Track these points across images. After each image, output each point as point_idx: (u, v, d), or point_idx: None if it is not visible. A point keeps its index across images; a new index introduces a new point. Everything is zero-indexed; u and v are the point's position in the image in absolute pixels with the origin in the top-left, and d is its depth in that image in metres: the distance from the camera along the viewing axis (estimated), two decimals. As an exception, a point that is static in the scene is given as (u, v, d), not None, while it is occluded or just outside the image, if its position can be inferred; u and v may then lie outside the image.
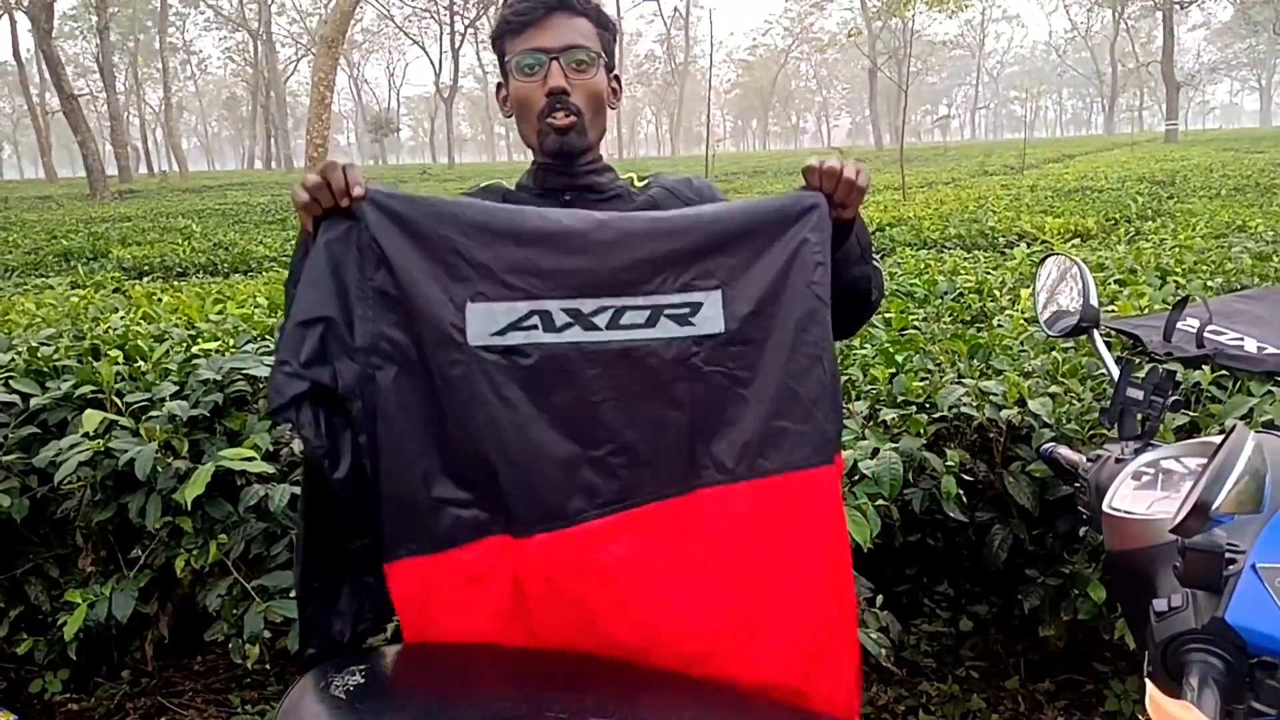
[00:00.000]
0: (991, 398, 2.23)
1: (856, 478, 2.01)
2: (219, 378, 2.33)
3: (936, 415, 2.23)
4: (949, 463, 2.12)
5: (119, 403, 2.26)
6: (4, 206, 21.34)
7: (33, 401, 2.26)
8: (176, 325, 3.10)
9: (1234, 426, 0.98)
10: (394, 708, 1.18)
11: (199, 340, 2.73)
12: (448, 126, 49.83)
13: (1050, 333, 1.80)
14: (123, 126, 38.65)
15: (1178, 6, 42.52)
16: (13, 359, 2.49)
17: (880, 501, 1.98)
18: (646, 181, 1.59)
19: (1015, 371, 2.42)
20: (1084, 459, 1.56)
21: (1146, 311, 2.98)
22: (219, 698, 2.51)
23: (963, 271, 4.39)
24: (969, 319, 3.36)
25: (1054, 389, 2.30)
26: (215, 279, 7.50)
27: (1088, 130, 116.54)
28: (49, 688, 2.35)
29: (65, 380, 2.31)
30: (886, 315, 3.24)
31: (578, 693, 1.19)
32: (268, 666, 2.28)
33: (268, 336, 2.83)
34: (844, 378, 2.48)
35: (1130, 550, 1.23)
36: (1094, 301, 1.68)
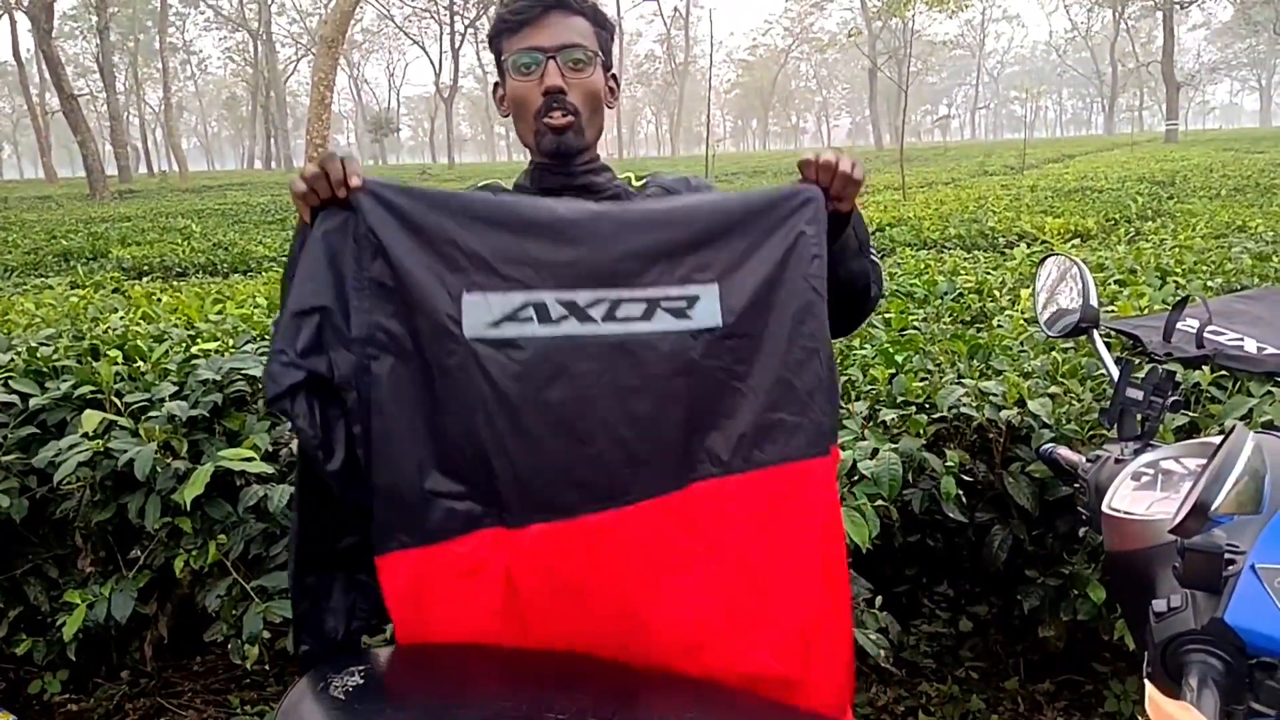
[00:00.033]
0: (991, 398, 2.23)
1: (856, 478, 2.01)
2: (218, 378, 2.32)
3: (936, 416, 2.23)
4: (948, 463, 2.12)
5: (118, 403, 2.26)
6: (4, 206, 21.35)
7: (32, 402, 2.25)
8: (176, 325, 3.10)
9: (1233, 427, 0.98)
10: (393, 708, 1.18)
11: (198, 340, 2.73)
12: (448, 126, 49.85)
13: (1050, 333, 1.80)
14: (122, 126, 38.66)
15: (1178, 6, 42.54)
16: (12, 359, 2.49)
17: (879, 502, 1.98)
18: (644, 181, 1.59)
19: (1015, 372, 2.42)
20: (1083, 459, 1.56)
21: (1146, 312, 2.98)
22: (218, 698, 2.51)
23: (962, 272, 4.39)
24: (969, 319, 3.36)
25: (1054, 389, 2.30)
26: (215, 279, 7.51)
27: (1088, 130, 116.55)
28: (48, 688, 2.35)
29: (64, 380, 2.31)
30: (886, 315, 3.24)
31: (577, 693, 1.19)
32: (267, 667, 2.28)
33: (267, 337, 2.83)
34: (844, 378, 2.48)
35: (1130, 551, 1.23)
36: (1094, 302, 1.68)
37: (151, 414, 2.20)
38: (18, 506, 2.13)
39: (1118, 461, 1.41)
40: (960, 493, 2.11)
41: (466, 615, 1.29)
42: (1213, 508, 0.90)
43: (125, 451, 2.05)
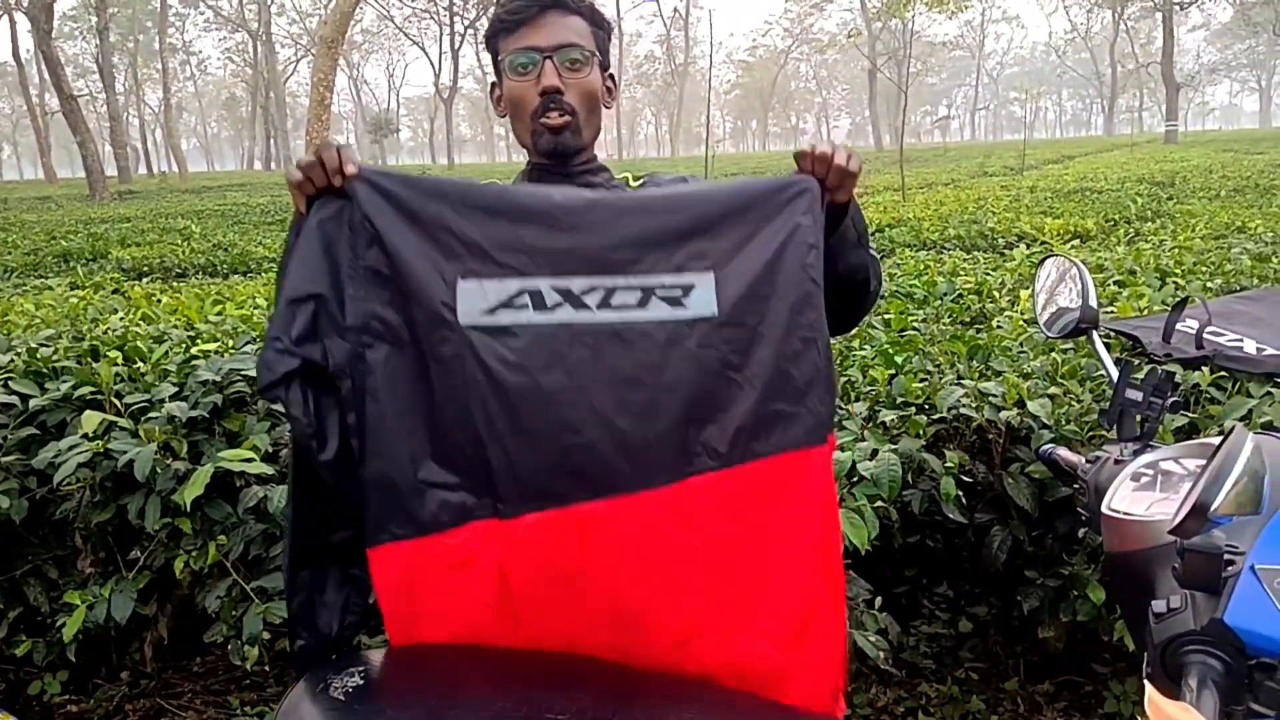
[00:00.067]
0: (991, 399, 2.23)
1: (855, 479, 2.01)
2: (218, 379, 2.32)
3: (936, 416, 2.23)
4: (948, 464, 2.12)
5: (118, 404, 2.26)
6: (3, 207, 21.34)
7: (32, 403, 2.25)
8: (176, 326, 3.10)
9: (1233, 428, 0.98)
10: (393, 709, 1.19)
11: (198, 341, 2.73)
12: (447, 127, 49.85)
13: (1049, 334, 1.80)
14: (122, 127, 38.63)
15: (1177, 8, 42.55)
16: (12, 360, 2.49)
17: (879, 503, 1.98)
18: (642, 181, 1.59)
19: (1014, 373, 2.42)
20: (1083, 460, 1.56)
21: (1146, 313, 2.99)
22: (218, 699, 2.51)
23: (962, 272, 4.39)
24: (968, 320, 3.36)
25: (1053, 390, 2.30)
26: (214, 280, 7.52)
27: (1087, 131, 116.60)
28: (48, 689, 2.35)
29: (64, 381, 2.31)
30: (886, 316, 3.24)
31: (577, 693, 1.19)
32: (267, 668, 2.28)
33: (267, 337, 2.83)
34: (843, 379, 2.48)
35: (1129, 551, 1.23)
36: (1093, 302, 1.68)
37: (151, 415, 2.20)
38: (17, 507, 2.13)
39: (1117, 462, 1.41)
40: (960, 493, 2.11)
41: (458, 608, 1.28)
42: (1212, 508, 0.91)
43: (125, 452, 2.05)
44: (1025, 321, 2.99)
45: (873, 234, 7.52)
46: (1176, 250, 4.71)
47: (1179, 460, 1.32)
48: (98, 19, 36.14)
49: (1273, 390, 2.20)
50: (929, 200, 11.75)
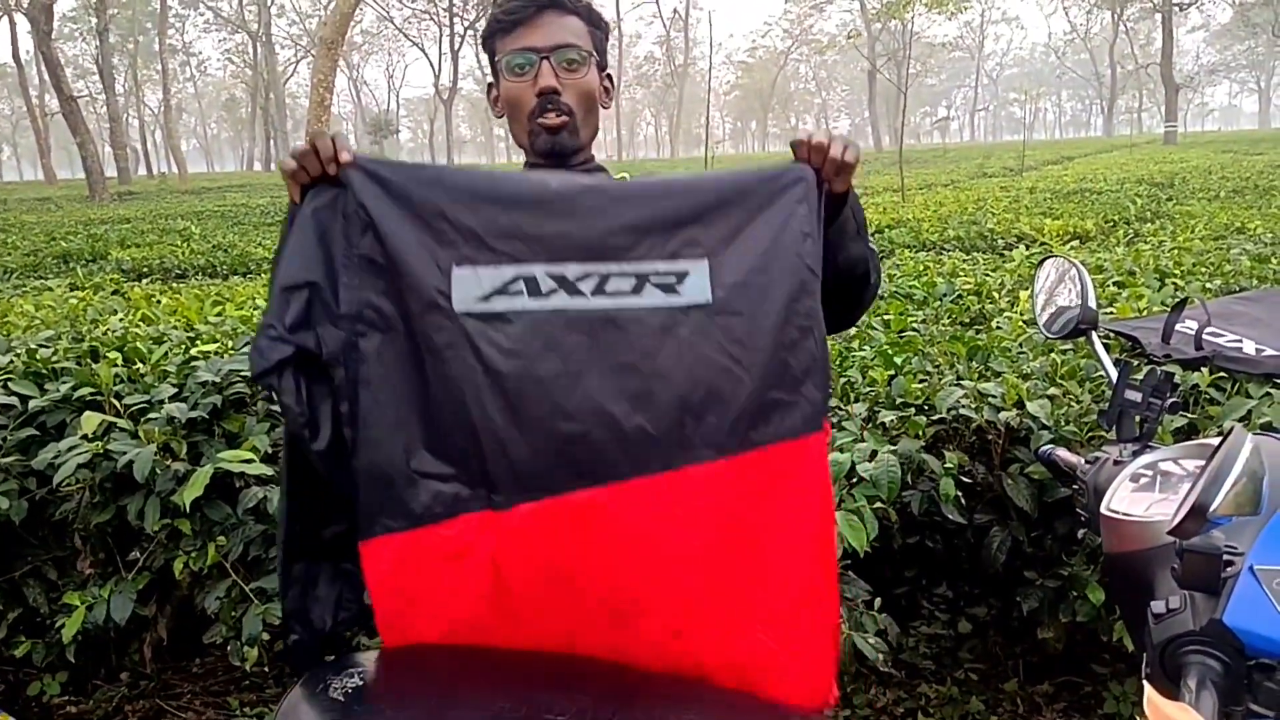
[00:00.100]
0: (990, 400, 2.23)
1: (855, 480, 2.01)
2: (218, 380, 2.32)
3: (935, 417, 2.23)
4: (947, 465, 2.12)
5: (118, 405, 2.26)
6: (3, 208, 21.35)
7: (31, 403, 2.25)
8: (175, 327, 3.10)
9: (1232, 429, 0.98)
10: (392, 710, 1.18)
11: (198, 342, 2.73)
12: (447, 128, 49.84)
13: (1049, 335, 1.80)
14: (122, 128, 38.63)
15: (1177, 9, 42.58)
16: (11, 361, 2.49)
17: (878, 504, 1.98)
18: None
19: (1014, 373, 2.42)
20: (1082, 461, 1.56)
21: (1145, 313, 2.99)
22: (217, 700, 2.51)
23: (961, 273, 4.39)
24: (968, 321, 3.37)
25: (1052, 391, 2.30)
26: (214, 281, 7.52)
27: (1087, 132, 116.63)
28: (47, 690, 2.35)
29: (64, 382, 2.31)
30: (885, 317, 3.25)
31: (577, 693, 1.19)
32: (266, 669, 2.28)
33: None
34: (842, 379, 2.48)
35: (1128, 552, 1.23)
36: (1092, 303, 1.68)
37: (151, 416, 2.20)
38: (17, 508, 2.13)
39: (1116, 463, 1.41)
40: (959, 494, 2.11)
41: (451, 601, 1.28)
42: (1211, 509, 0.91)
43: (125, 453, 2.05)
44: (1025, 322, 2.99)
45: (872, 235, 7.52)
46: (1176, 251, 4.71)
47: (1178, 461, 1.32)
48: (97, 20, 36.14)
49: (1272, 391, 2.20)
50: (928, 201, 11.76)
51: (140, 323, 3.34)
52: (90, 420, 2.11)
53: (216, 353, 2.56)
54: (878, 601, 2.06)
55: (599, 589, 1.27)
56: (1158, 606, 0.99)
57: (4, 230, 13.48)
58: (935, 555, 2.38)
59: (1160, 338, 2.49)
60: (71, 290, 5.47)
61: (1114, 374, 1.56)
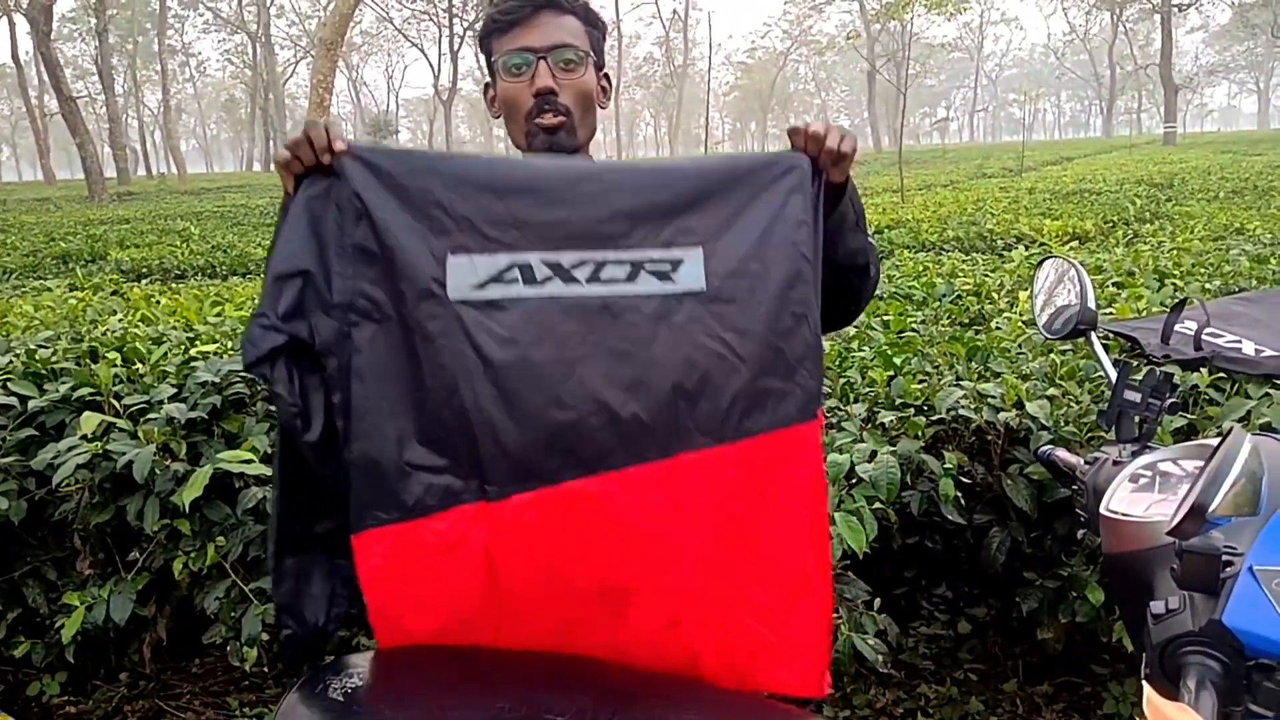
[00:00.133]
0: (989, 400, 2.23)
1: (854, 481, 2.01)
2: (217, 380, 2.32)
3: (934, 418, 2.23)
4: (947, 465, 2.12)
5: (117, 405, 2.26)
6: (2, 209, 21.34)
7: (31, 404, 2.25)
8: (175, 328, 3.10)
9: (1231, 429, 0.98)
10: (392, 710, 1.18)
11: (197, 343, 2.73)
12: (446, 129, 49.82)
13: (1048, 335, 1.80)
14: (121, 129, 38.63)
15: (1176, 9, 42.59)
16: (11, 361, 2.49)
17: (877, 505, 1.98)
18: None
19: (1013, 374, 2.42)
20: (1082, 461, 1.56)
21: (1144, 314, 2.99)
22: (217, 700, 2.51)
23: (961, 274, 4.40)
24: (967, 321, 3.37)
25: (1052, 391, 2.30)
26: (213, 281, 7.51)
27: (1086, 133, 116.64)
28: (47, 690, 2.35)
29: (63, 382, 2.31)
30: (885, 317, 3.25)
31: (577, 694, 1.19)
32: (266, 669, 2.28)
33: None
34: (842, 380, 2.48)
35: (1128, 552, 1.23)
36: (1092, 304, 1.68)
37: (150, 416, 2.20)
38: (16, 509, 2.13)
39: (1116, 463, 1.42)
40: (959, 495, 2.11)
41: (443, 594, 1.27)
42: (1210, 509, 0.91)
43: (124, 454, 2.05)
44: (1024, 323, 2.99)
45: (872, 235, 7.53)
46: (1175, 252, 4.72)
47: (1177, 461, 1.32)
48: (97, 21, 36.15)
49: (1271, 392, 2.20)
50: (928, 202, 11.76)
51: (139, 323, 3.34)
52: (89, 420, 2.11)
53: (216, 353, 2.56)
54: (877, 602, 2.06)
55: (593, 581, 1.27)
56: (1157, 607, 0.99)
57: (3, 230, 13.48)
58: (935, 556, 2.38)
59: (1159, 338, 2.49)
60: (71, 291, 5.46)
61: (1113, 374, 1.56)
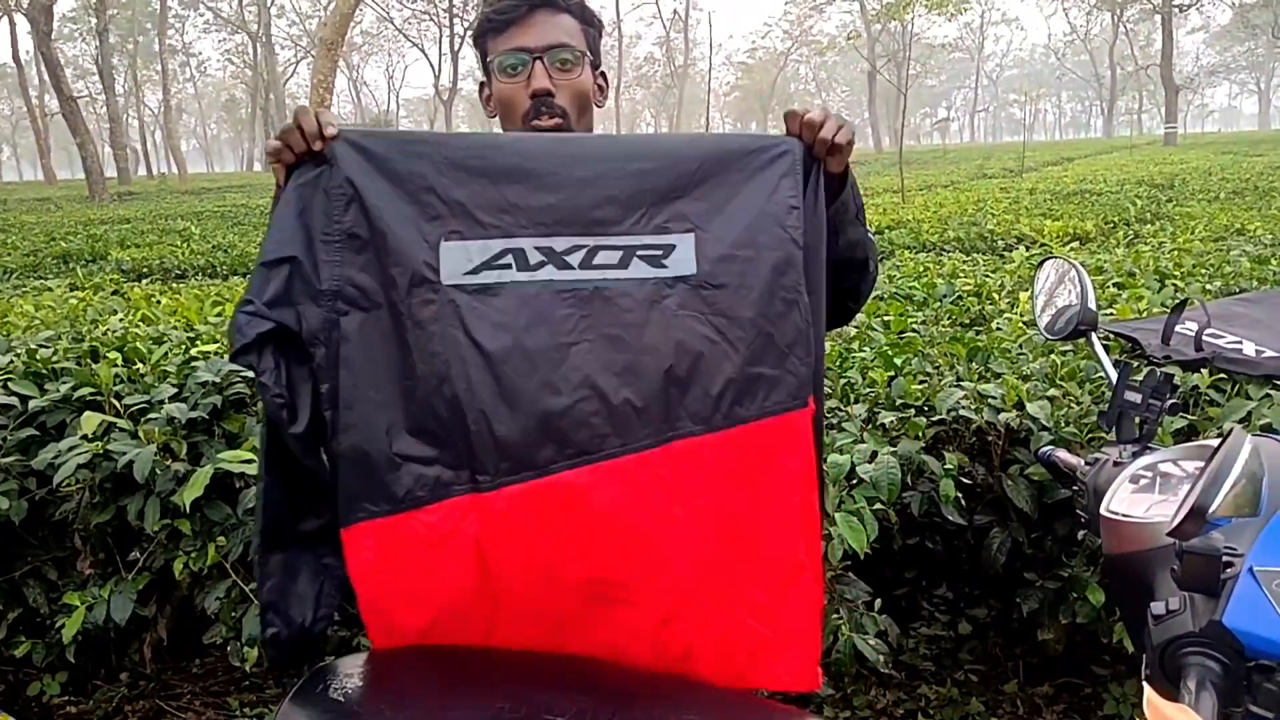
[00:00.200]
0: (990, 401, 2.23)
1: (854, 481, 2.01)
2: (218, 380, 2.33)
3: (935, 418, 2.23)
4: (947, 466, 2.12)
5: (118, 405, 2.26)
6: (3, 208, 21.34)
7: (31, 404, 2.25)
8: (175, 327, 3.10)
9: (1231, 430, 0.98)
10: (392, 710, 1.18)
11: (198, 343, 2.73)
12: (447, 128, 49.84)
13: (1048, 336, 1.80)
14: (122, 128, 38.63)
15: (1177, 10, 42.60)
16: (11, 361, 2.49)
17: (878, 506, 1.98)
18: None
19: (1014, 374, 2.42)
20: (1082, 462, 1.56)
21: (1145, 315, 2.99)
22: (217, 700, 2.51)
23: (961, 274, 4.39)
24: (968, 322, 3.37)
25: (1052, 392, 2.30)
26: (214, 281, 7.50)
27: (1087, 133, 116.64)
28: (47, 690, 2.35)
29: (64, 382, 2.31)
30: (885, 318, 3.25)
31: (577, 694, 1.19)
32: (266, 669, 2.28)
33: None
34: (842, 380, 2.48)
35: (1128, 553, 1.23)
36: (1092, 304, 1.68)
37: (151, 416, 2.20)
38: (17, 508, 2.13)
39: (1116, 464, 1.41)
40: (959, 495, 2.11)
41: (435, 588, 1.27)
42: (1210, 510, 0.91)
43: (125, 453, 2.05)
44: (1024, 323, 2.99)
45: (872, 235, 7.53)
46: (1176, 252, 4.71)
47: (1178, 462, 1.32)
48: (97, 20, 36.14)
49: (1271, 392, 2.20)
50: (928, 202, 11.76)
51: (140, 323, 3.34)
52: (90, 420, 2.11)
53: (216, 353, 2.56)
54: (878, 603, 2.06)
55: (584, 574, 1.26)
56: (1157, 608, 0.99)
57: (4, 230, 13.48)
58: (935, 556, 2.38)
59: (1160, 339, 2.49)
60: (71, 290, 5.46)
61: (1114, 375, 1.56)
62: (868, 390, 2.41)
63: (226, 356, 2.47)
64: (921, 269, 4.76)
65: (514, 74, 1.43)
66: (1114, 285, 3.59)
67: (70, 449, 2.08)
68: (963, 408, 2.21)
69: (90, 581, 2.22)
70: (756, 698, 1.33)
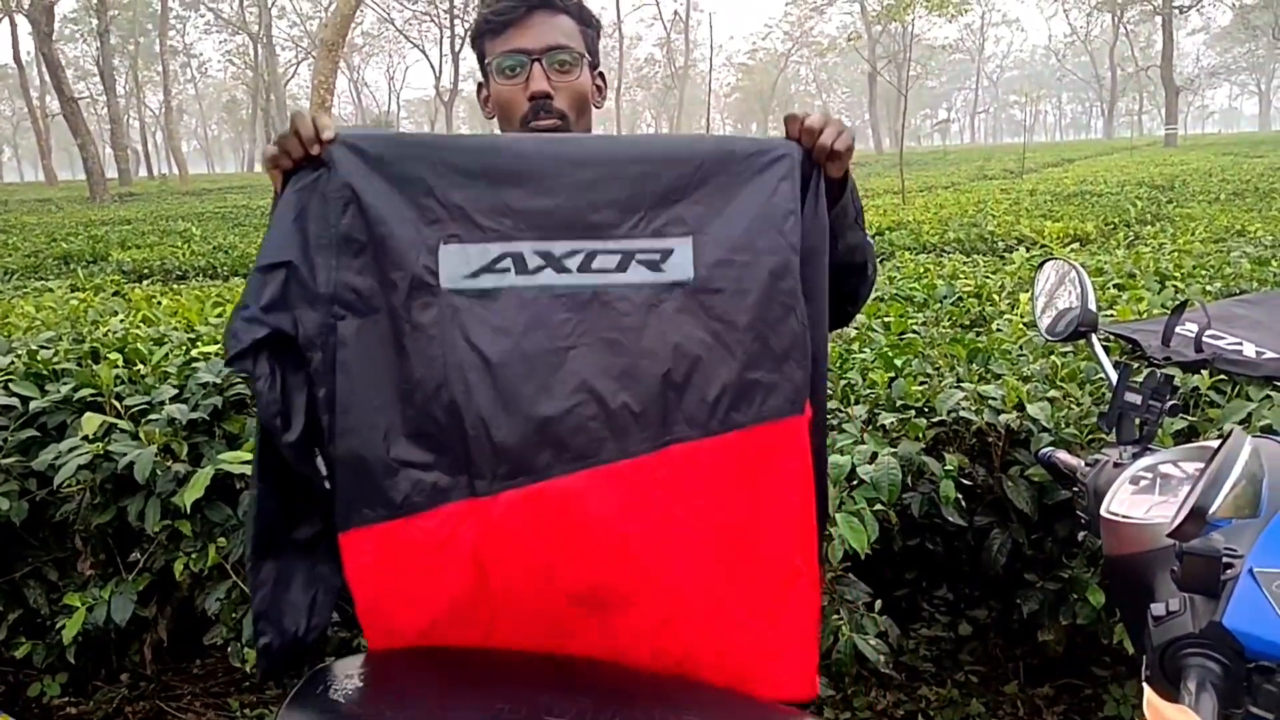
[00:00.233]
0: (990, 402, 2.23)
1: (855, 482, 2.01)
2: (218, 381, 2.33)
3: (935, 419, 2.23)
4: (948, 467, 2.12)
5: (118, 406, 2.26)
6: (4, 209, 21.35)
7: (32, 404, 2.26)
8: (176, 328, 3.10)
9: (1231, 431, 0.98)
10: (392, 711, 1.18)
11: (198, 343, 2.73)
12: (448, 129, 49.89)
13: (1049, 337, 1.80)
14: (123, 129, 38.66)
15: (1177, 11, 42.62)
16: (12, 362, 2.49)
17: (878, 507, 1.98)
18: None
19: (1014, 376, 2.42)
20: (1082, 463, 1.56)
21: (1145, 316, 2.99)
22: (218, 701, 2.51)
23: (962, 276, 4.40)
24: (968, 323, 3.37)
25: (1053, 393, 2.30)
26: (215, 282, 7.52)
27: (1087, 134, 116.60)
28: (47, 691, 2.35)
29: (65, 383, 2.32)
30: (885, 319, 3.25)
31: (577, 695, 1.19)
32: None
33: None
34: (843, 381, 2.48)
35: (1128, 555, 1.23)
36: (1092, 305, 1.68)
37: (151, 417, 2.20)
38: (17, 509, 2.13)
39: (1116, 465, 1.42)
40: (959, 496, 2.11)
41: (432, 594, 1.27)
42: (1210, 511, 0.91)
43: (125, 454, 2.05)
44: (1025, 324, 2.99)
45: (872, 237, 7.54)
46: (1176, 254, 4.72)
47: (1178, 463, 1.32)
48: (98, 21, 36.19)
49: (1272, 394, 2.20)
50: (929, 203, 11.77)
51: (141, 324, 3.34)
52: (91, 421, 2.11)
53: (217, 354, 2.56)
54: (878, 604, 2.06)
55: (582, 580, 1.26)
56: (1157, 609, 0.99)
57: (5, 231, 13.50)
58: (935, 557, 2.38)
59: (1160, 340, 2.49)
60: (72, 291, 5.47)
61: (1114, 376, 1.56)
62: (868, 391, 2.41)
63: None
64: (922, 270, 4.76)
65: (512, 76, 1.43)
66: (1114, 286, 3.59)
67: (71, 450, 2.08)
68: (963, 409, 2.21)
69: (91, 582, 2.22)
70: (756, 699, 1.33)
